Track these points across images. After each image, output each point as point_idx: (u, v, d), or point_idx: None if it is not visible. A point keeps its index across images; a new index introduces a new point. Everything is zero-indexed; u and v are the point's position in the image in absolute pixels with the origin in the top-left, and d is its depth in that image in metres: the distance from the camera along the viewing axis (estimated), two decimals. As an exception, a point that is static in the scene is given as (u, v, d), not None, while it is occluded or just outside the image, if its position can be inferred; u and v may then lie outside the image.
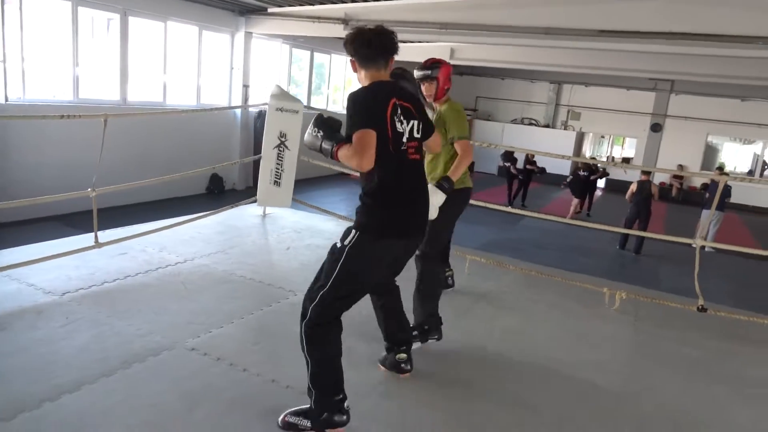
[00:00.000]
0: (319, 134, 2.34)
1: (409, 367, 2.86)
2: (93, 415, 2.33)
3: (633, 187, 9.76)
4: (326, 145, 2.31)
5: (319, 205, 6.22)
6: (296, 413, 2.36)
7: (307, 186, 11.09)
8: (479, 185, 15.37)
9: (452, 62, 14.83)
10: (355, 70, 2.47)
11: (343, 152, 2.25)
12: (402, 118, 2.36)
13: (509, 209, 6.25)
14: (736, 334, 3.95)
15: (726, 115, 15.84)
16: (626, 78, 15.33)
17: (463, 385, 2.90)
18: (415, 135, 2.42)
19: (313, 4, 10.34)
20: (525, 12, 8.84)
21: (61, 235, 4.62)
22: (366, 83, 2.42)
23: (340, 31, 10.40)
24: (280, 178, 5.17)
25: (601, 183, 17.27)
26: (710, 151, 17.04)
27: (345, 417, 2.30)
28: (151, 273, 3.95)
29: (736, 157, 18.42)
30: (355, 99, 2.31)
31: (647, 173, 9.82)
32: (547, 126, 18.05)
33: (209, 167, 5.97)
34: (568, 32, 8.78)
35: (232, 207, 5.45)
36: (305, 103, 13.44)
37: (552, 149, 15.59)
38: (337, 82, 15.15)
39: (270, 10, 10.86)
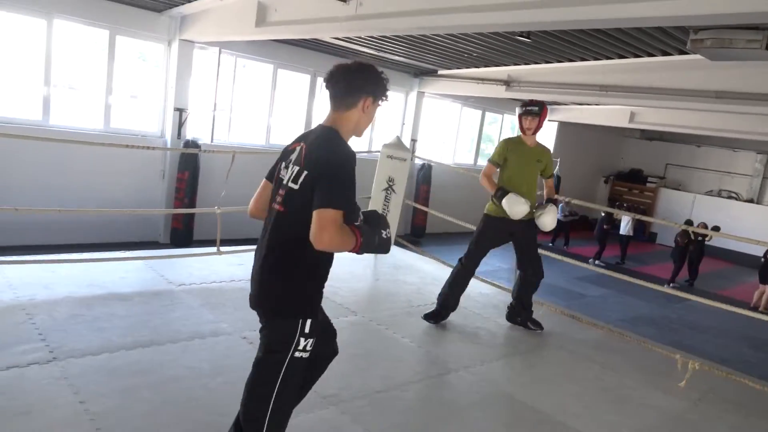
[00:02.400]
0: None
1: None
2: (145, 365, 3.12)
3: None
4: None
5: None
6: None
7: (447, 240, 11.49)
8: (655, 258, 14.16)
9: (632, 126, 14.31)
10: (356, 108, 2.09)
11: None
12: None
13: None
14: None
15: None
16: None
17: (446, 414, 3.10)
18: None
19: (479, 67, 11.04)
20: (692, 75, 8.36)
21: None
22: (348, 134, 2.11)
23: (502, 92, 10.91)
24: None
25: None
26: None
27: None
28: (253, 281, 4.81)
29: None
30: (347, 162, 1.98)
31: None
32: (750, 201, 15.96)
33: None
34: (741, 96, 8.07)
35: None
36: (472, 162, 14.03)
37: (756, 227, 13.78)
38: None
39: (440, 72, 11.85)
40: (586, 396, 3.52)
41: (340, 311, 4.38)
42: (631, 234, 12.99)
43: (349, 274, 5.52)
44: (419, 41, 9.00)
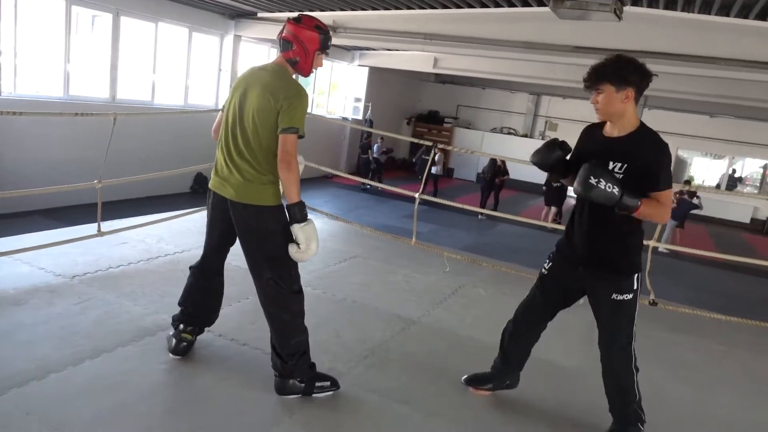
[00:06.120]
0: (614, 189, 2.21)
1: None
2: (111, 377, 2.65)
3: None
4: (630, 202, 2.23)
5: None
6: None
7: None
8: (459, 191, 15.85)
9: (435, 71, 15.32)
10: (613, 101, 2.31)
11: (649, 210, 2.27)
12: None
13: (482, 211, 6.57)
14: (682, 328, 4.41)
15: (696, 130, 16.59)
16: (601, 92, 15.94)
17: (437, 363, 3.28)
18: None
19: (303, 11, 10.70)
20: (507, 27, 9.29)
21: (47, 228, 4.91)
22: (635, 121, 2.36)
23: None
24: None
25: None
26: (680, 165, 17.77)
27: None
28: (152, 261, 4.26)
29: (706, 171, 19.14)
30: (667, 151, 2.29)
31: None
32: (525, 136, 18.63)
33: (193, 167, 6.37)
34: (546, 47, 9.27)
35: (225, 203, 5.77)
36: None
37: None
38: (321, 86, 15.54)
39: (259, 14, 11.19)
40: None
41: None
42: (441, 173, 14.32)
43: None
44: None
